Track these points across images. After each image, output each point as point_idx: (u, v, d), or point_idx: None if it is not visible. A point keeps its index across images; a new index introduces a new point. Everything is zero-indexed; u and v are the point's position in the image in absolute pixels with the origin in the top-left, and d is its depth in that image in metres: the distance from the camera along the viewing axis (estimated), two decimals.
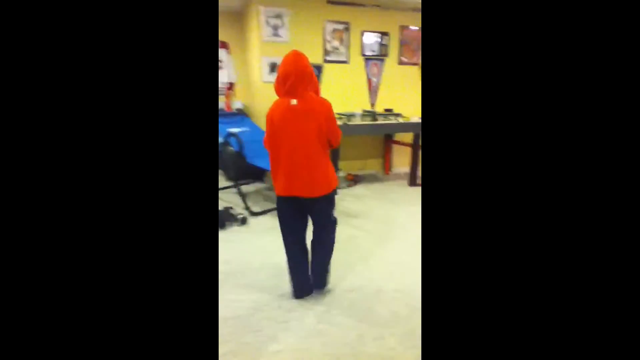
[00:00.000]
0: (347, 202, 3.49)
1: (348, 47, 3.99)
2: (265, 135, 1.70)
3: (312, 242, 1.84)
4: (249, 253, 2.41)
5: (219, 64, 4.55)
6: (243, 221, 2.85)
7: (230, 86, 4.68)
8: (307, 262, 1.86)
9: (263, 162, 3.05)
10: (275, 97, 1.71)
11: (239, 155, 3.09)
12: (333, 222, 1.82)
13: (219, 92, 4.57)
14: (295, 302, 1.85)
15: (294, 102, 1.59)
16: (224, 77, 4.61)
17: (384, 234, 2.74)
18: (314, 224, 1.81)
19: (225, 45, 4.57)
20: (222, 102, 4.64)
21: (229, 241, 2.55)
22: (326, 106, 1.65)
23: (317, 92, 1.68)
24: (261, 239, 2.61)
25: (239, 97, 4.72)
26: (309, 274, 1.87)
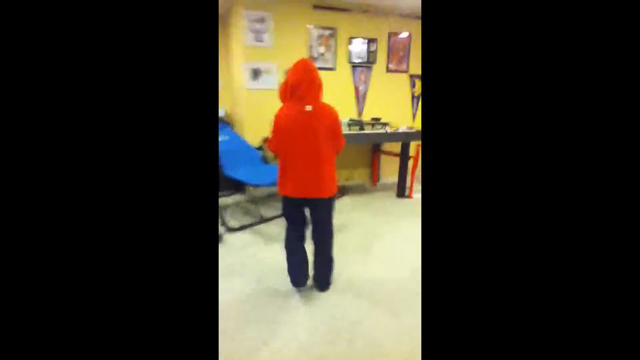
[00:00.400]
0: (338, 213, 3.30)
1: (335, 54, 3.84)
2: (271, 138, 1.78)
3: (316, 239, 1.94)
4: (220, 275, 2.20)
5: None
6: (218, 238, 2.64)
7: None
8: (305, 255, 1.99)
9: (241, 174, 2.86)
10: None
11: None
12: (332, 219, 1.94)
13: None
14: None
15: (309, 107, 1.67)
16: None
17: (365, 249, 2.55)
18: (316, 222, 1.91)
19: None
20: None
21: None
22: (334, 114, 1.77)
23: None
24: (233, 257, 2.40)
25: (221, 104, 4.54)
26: (305, 267, 2.00)
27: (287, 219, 1.92)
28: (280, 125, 1.73)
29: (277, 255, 2.45)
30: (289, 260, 1.98)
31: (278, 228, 2.96)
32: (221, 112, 4.42)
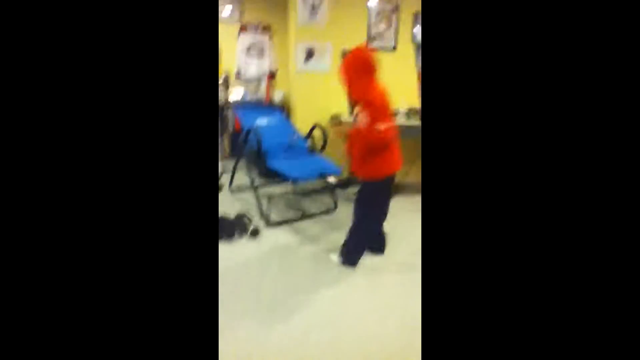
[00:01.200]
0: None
1: (396, 32, 3.42)
2: (376, 122, 1.75)
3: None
4: (241, 278, 2.08)
5: (261, 51, 4.27)
6: (253, 233, 2.53)
7: (271, 75, 4.38)
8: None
9: (281, 165, 2.68)
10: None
11: (258, 153, 2.76)
12: None
13: (261, 82, 4.33)
14: None
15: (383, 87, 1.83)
16: (264, 65, 4.33)
17: (404, 275, 2.24)
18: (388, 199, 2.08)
19: (267, 30, 4.25)
20: (262, 93, 4.37)
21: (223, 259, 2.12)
22: None
23: None
24: (265, 262, 2.27)
25: (280, 87, 4.40)
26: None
27: (376, 207, 2.02)
28: (377, 103, 1.78)
29: (303, 264, 2.27)
30: (365, 240, 2.15)
31: (319, 227, 2.77)
32: (279, 96, 4.29)
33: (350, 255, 2.14)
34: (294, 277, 2.10)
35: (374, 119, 1.74)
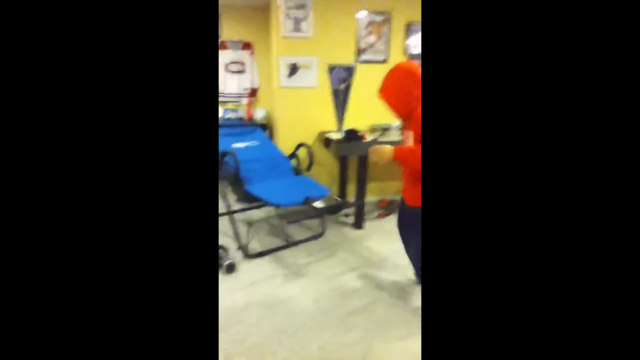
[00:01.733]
0: (372, 241, 2.69)
1: (388, 44, 3.21)
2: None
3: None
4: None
5: (242, 67, 4.05)
6: (229, 269, 2.17)
7: (252, 92, 4.13)
8: None
9: (260, 189, 2.36)
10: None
11: (236, 177, 2.44)
12: None
13: (240, 100, 4.11)
14: None
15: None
16: (246, 82, 4.10)
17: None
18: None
19: (249, 46, 4.03)
20: (244, 111, 4.11)
21: None
22: None
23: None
24: (243, 310, 1.91)
25: (262, 104, 4.15)
26: None
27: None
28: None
29: (293, 301, 1.92)
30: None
31: (306, 255, 2.43)
32: (262, 113, 4.03)
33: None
34: (278, 322, 1.74)
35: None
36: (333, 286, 2.09)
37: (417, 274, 1.96)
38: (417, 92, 1.51)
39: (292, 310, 1.85)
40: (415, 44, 3.26)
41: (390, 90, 1.56)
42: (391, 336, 1.67)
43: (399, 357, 1.54)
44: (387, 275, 2.20)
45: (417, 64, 1.56)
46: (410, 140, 1.58)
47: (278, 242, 2.57)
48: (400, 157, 1.52)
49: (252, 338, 1.64)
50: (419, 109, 1.51)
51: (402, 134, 1.72)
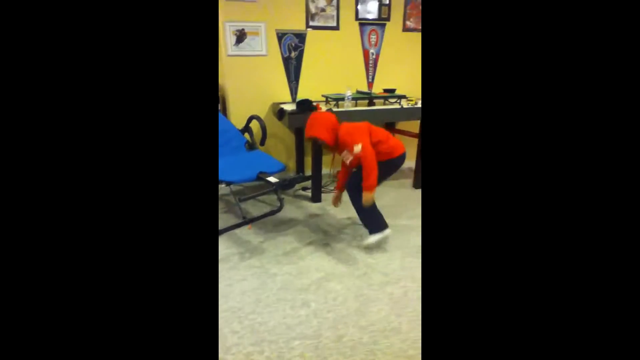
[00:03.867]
0: (329, 213, 2.70)
1: (338, 9, 3.08)
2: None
3: None
4: None
5: None
6: None
7: None
8: None
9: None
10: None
11: None
12: None
13: None
14: None
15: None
16: None
17: (352, 267, 1.96)
18: None
19: None
20: None
21: None
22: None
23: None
24: None
25: None
26: None
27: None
28: (355, 135, 2.07)
29: (255, 284, 1.89)
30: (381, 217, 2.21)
31: (263, 233, 2.39)
32: None
33: (374, 219, 2.18)
34: (234, 302, 1.71)
35: (363, 144, 2.00)
36: (290, 261, 2.08)
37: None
38: (336, 126, 2.11)
39: (245, 290, 1.82)
40: (366, 10, 3.15)
41: (321, 130, 2.07)
42: (343, 309, 1.71)
43: (350, 327, 1.58)
44: (344, 247, 2.23)
45: (329, 114, 2.16)
46: (348, 156, 2.08)
47: (233, 221, 2.50)
48: (373, 181, 1.98)
49: None
50: (341, 133, 2.08)
51: (339, 153, 2.19)
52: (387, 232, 2.18)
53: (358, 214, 2.22)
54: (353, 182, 2.15)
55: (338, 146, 2.12)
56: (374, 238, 2.17)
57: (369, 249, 2.18)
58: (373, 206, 2.12)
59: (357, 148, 2.00)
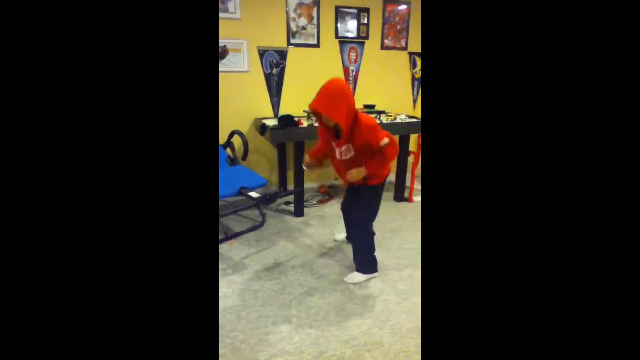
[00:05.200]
0: (312, 227, 2.71)
1: (319, 27, 3.16)
2: (389, 139, 1.73)
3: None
4: None
5: None
6: None
7: None
8: None
9: None
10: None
11: None
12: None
13: None
14: None
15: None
16: None
17: (336, 282, 1.97)
18: None
19: None
20: None
21: None
22: None
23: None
24: None
25: None
26: None
27: (375, 212, 2.01)
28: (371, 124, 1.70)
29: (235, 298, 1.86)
30: (373, 249, 2.06)
31: (246, 249, 2.38)
32: None
33: (370, 262, 2.05)
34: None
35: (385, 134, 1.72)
36: (271, 277, 2.07)
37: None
38: (355, 112, 1.66)
39: (227, 307, 1.80)
40: (345, 29, 3.25)
41: (340, 111, 1.59)
42: (325, 324, 1.71)
43: (332, 342, 1.58)
44: (326, 262, 2.23)
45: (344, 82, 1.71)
46: (348, 152, 1.74)
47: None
48: (373, 170, 1.76)
49: None
50: (363, 125, 1.65)
51: (336, 146, 1.79)
52: (375, 274, 2.07)
53: (355, 253, 2.07)
54: (355, 220, 2.00)
55: (347, 136, 1.70)
56: (360, 277, 2.03)
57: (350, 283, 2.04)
58: (372, 248, 2.04)
59: (384, 141, 1.69)
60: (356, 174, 1.75)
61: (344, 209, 2.20)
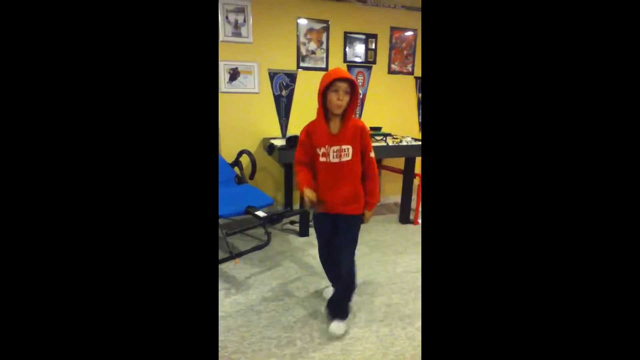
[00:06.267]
0: (315, 248, 2.70)
1: (328, 52, 3.26)
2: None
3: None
4: None
5: None
6: None
7: None
8: None
9: None
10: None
11: None
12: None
13: None
14: None
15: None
16: None
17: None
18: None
19: None
20: None
21: None
22: None
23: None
24: None
25: None
26: None
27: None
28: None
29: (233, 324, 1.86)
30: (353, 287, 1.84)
31: (250, 268, 2.38)
32: None
33: (346, 306, 1.81)
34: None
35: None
36: (275, 298, 2.06)
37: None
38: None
39: (230, 327, 1.79)
40: (354, 53, 3.34)
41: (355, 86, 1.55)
42: (329, 348, 1.69)
43: None
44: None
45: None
46: (345, 155, 1.57)
47: (220, 255, 2.48)
48: (375, 199, 1.71)
49: None
50: (363, 129, 1.61)
51: (330, 145, 1.59)
52: (347, 320, 1.82)
53: (341, 297, 1.79)
54: (347, 255, 1.72)
55: (351, 137, 1.58)
56: (343, 327, 1.77)
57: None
58: (353, 287, 1.81)
59: (372, 154, 1.65)
60: (369, 215, 1.73)
61: (326, 247, 1.85)
